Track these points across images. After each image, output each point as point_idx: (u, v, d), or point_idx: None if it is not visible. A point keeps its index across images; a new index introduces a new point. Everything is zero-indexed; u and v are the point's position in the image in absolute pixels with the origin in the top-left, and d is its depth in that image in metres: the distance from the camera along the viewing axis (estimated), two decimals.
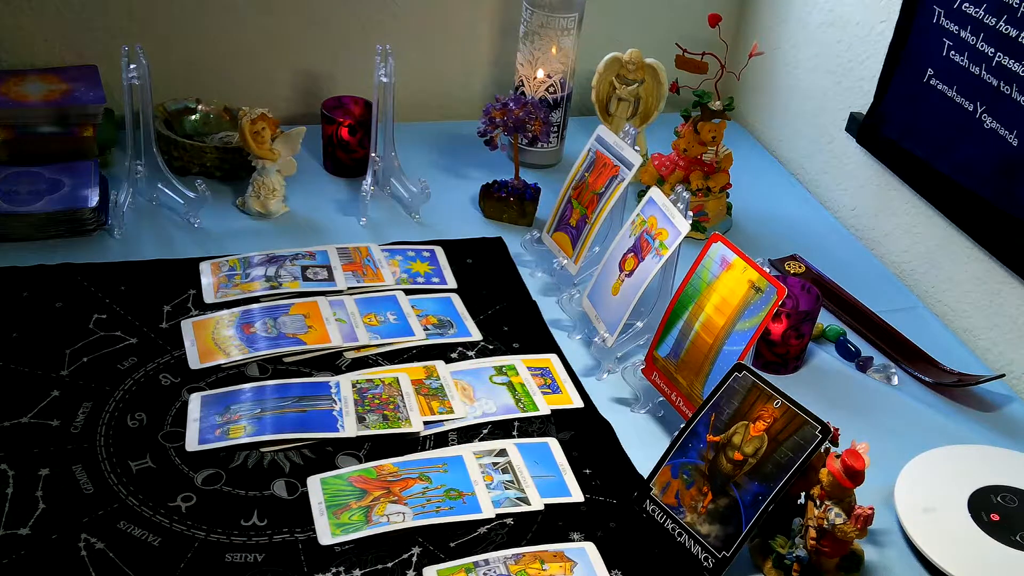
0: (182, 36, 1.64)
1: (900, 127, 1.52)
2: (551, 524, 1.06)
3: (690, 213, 1.22)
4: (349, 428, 1.13)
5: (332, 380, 1.20)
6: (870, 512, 0.98)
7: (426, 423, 1.16)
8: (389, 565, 1.00)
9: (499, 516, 1.06)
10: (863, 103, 1.60)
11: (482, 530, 1.05)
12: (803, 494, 1.04)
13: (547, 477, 1.11)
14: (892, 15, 1.52)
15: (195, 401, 1.15)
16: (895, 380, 1.32)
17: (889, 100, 1.54)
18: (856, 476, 0.97)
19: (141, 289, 1.31)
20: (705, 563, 1.02)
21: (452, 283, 1.40)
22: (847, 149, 1.66)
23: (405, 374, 1.22)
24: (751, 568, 1.05)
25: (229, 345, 1.23)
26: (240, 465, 1.09)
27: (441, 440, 1.15)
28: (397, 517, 1.04)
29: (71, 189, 1.40)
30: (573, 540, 1.05)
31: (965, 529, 1.09)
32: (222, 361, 1.21)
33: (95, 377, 1.17)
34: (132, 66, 1.37)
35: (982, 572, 1.05)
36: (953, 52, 1.40)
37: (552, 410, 1.20)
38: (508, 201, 1.54)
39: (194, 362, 1.20)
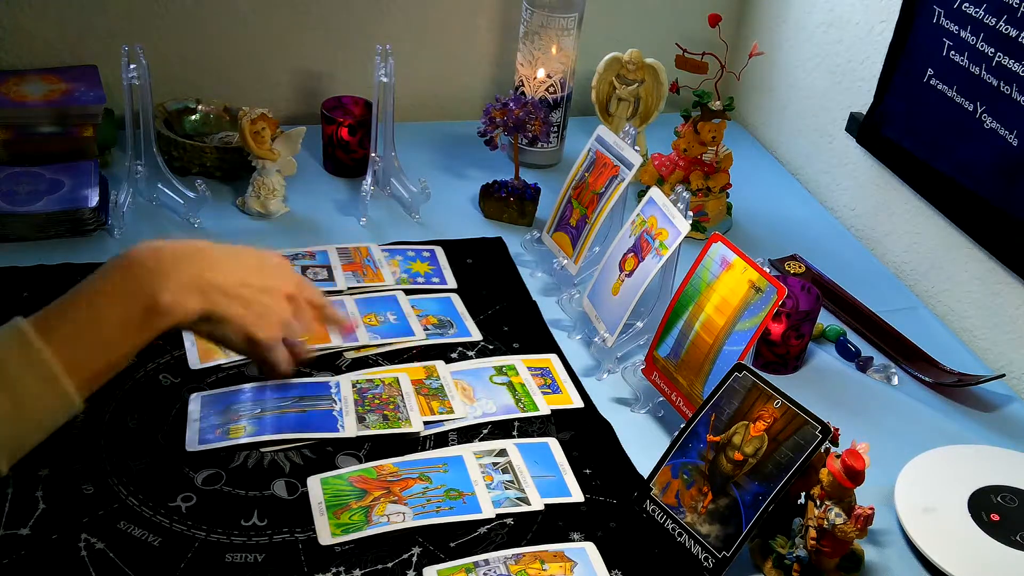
0: (182, 36, 1.64)
1: (900, 127, 1.52)
2: (551, 524, 1.06)
3: (690, 213, 1.22)
4: (349, 428, 1.13)
5: (332, 380, 1.20)
6: (870, 512, 0.98)
7: (426, 423, 1.16)
8: (389, 565, 1.00)
9: (499, 516, 1.06)
10: (863, 103, 1.60)
11: (482, 530, 1.05)
12: (803, 494, 1.04)
13: (547, 477, 1.11)
14: (892, 15, 1.52)
15: (195, 401, 1.15)
16: (895, 380, 1.32)
17: (889, 100, 1.54)
18: (856, 476, 0.97)
19: None
20: (705, 563, 1.02)
21: (452, 283, 1.40)
22: (847, 149, 1.66)
23: (405, 374, 1.22)
24: (751, 568, 1.05)
25: None
26: (240, 465, 1.09)
27: (441, 440, 1.15)
28: (397, 517, 1.04)
29: (71, 189, 1.40)
30: (573, 540, 1.05)
31: (965, 529, 1.10)
32: (222, 361, 1.21)
33: None
34: (132, 66, 1.37)
35: (982, 572, 1.05)
36: (953, 52, 1.40)
37: (552, 410, 1.20)
38: (508, 201, 1.54)
39: (194, 362, 1.20)
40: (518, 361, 1.27)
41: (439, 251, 1.45)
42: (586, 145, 1.43)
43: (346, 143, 1.57)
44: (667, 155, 1.57)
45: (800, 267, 1.50)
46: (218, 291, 0.91)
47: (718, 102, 1.49)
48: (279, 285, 0.98)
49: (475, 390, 1.22)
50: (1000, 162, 1.34)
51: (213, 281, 0.90)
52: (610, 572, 1.01)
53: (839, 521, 0.98)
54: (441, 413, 1.17)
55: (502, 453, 1.13)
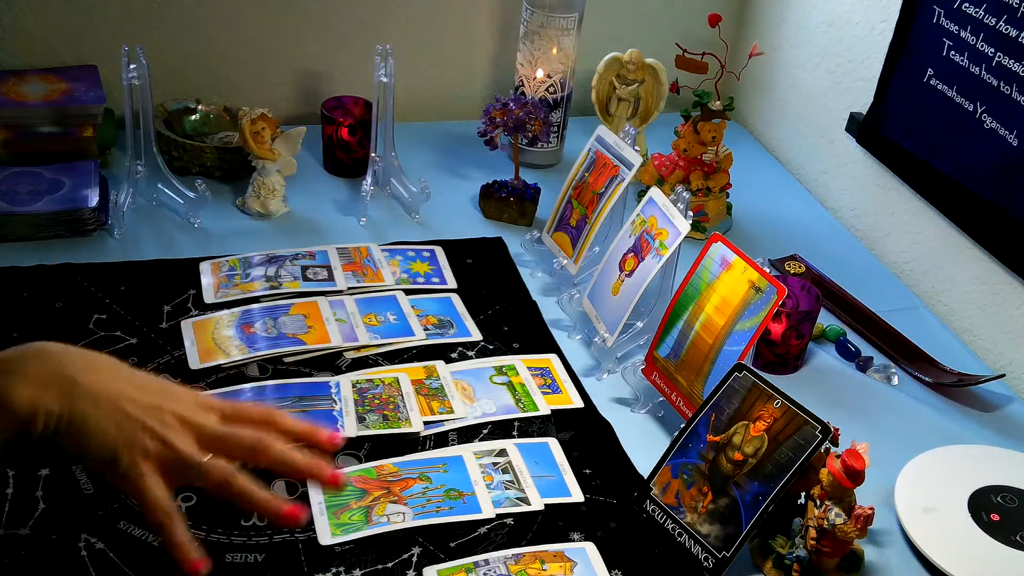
0: (182, 36, 1.64)
1: (900, 127, 1.52)
2: (551, 524, 1.06)
3: (690, 213, 1.22)
4: (349, 428, 1.13)
5: (332, 380, 1.20)
6: (870, 512, 0.98)
7: (426, 423, 1.16)
8: (389, 565, 1.00)
9: (499, 516, 1.06)
10: (863, 103, 1.60)
11: (482, 530, 1.05)
12: (803, 494, 1.04)
13: (547, 477, 1.11)
14: (892, 15, 1.52)
15: None
16: (895, 380, 1.32)
17: (889, 100, 1.54)
18: (856, 476, 0.97)
19: (141, 289, 1.31)
20: (705, 563, 1.02)
21: (452, 283, 1.40)
22: (847, 149, 1.66)
23: (405, 374, 1.22)
24: (751, 568, 1.05)
25: (229, 345, 1.23)
26: (240, 465, 1.08)
27: (441, 440, 1.15)
28: (397, 517, 1.04)
29: (71, 189, 1.40)
30: (573, 540, 1.05)
31: (965, 529, 1.10)
32: (222, 361, 1.21)
33: None
34: (132, 66, 1.37)
35: (982, 572, 1.05)
36: (953, 52, 1.40)
37: (552, 410, 1.20)
38: (508, 201, 1.54)
39: (194, 362, 1.20)
40: (518, 361, 1.27)
41: (439, 251, 1.45)
42: (586, 145, 1.43)
43: (346, 143, 1.57)
44: (667, 155, 1.57)
45: (800, 267, 1.50)
46: (86, 395, 0.78)
47: (718, 102, 1.49)
48: (174, 407, 0.82)
49: (475, 390, 1.22)
50: (1000, 162, 1.34)
51: (83, 383, 0.78)
52: (610, 572, 1.01)
53: (839, 521, 0.98)
54: (441, 413, 1.17)
55: (502, 453, 1.13)
